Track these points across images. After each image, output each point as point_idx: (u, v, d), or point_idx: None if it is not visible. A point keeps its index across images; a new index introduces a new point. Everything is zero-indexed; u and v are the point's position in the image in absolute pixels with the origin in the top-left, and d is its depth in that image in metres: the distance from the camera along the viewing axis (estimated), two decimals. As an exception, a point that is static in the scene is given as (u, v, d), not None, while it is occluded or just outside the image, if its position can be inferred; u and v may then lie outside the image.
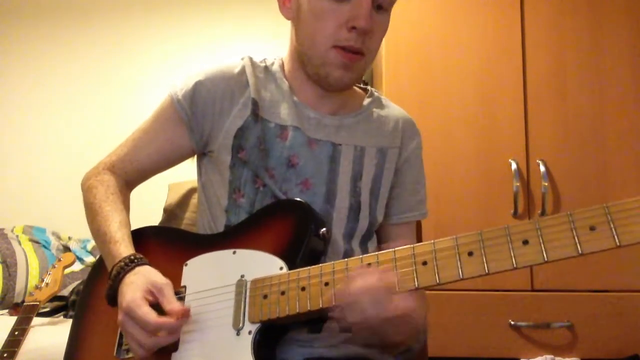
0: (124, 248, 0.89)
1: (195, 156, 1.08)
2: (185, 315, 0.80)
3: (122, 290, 0.83)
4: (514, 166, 1.83)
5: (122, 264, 0.86)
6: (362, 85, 1.14)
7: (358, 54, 0.93)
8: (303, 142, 0.98)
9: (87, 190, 1.02)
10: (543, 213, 1.82)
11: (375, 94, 1.12)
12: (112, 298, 0.87)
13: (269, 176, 0.96)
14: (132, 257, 0.87)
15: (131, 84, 2.76)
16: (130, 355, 0.86)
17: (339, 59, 0.93)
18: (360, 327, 0.75)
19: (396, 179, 1.06)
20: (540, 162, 1.84)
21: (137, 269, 0.85)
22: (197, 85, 1.00)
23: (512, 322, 1.77)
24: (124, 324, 0.80)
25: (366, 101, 1.09)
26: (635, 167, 1.83)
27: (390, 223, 1.07)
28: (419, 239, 1.16)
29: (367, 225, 1.01)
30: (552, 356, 1.73)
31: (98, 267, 1.02)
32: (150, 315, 0.78)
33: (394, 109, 1.12)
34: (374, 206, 1.02)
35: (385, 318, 0.73)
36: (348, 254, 0.98)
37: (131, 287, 0.82)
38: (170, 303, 0.80)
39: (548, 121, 1.87)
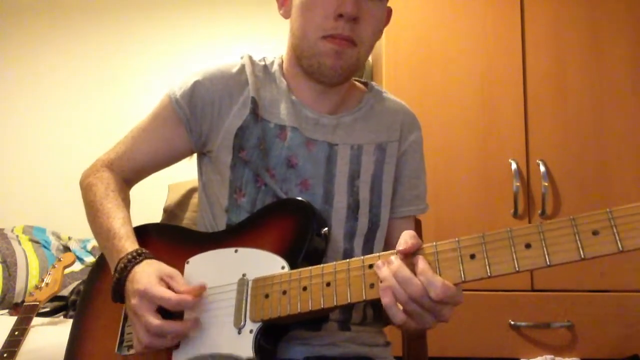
0: (130, 244, 0.90)
1: (195, 155, 1.08)
2: (202, 289, 0.82)
3: (133, 279, 0.83)
4: (514, 166, 1.83)
5: (130, 257, 0.86)
6: (362, 80, 1.14)
7: (348, 41, 0.93)
8: (301, 142, 0.98)
9: (86, 188, 1.02)
10: (543, 213, 1.82)
11: (375, 87, 1.12)
12: (118, 292, 0.86)
13: (269, 176, 0.96)
14: (140, 251, 0.88)
15: (130, 84, 2.76)
16: (131, 352, 0.87)
17: (328, 46, 0.93)
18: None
19: (395, 173, 1.06)
20: (540, 162, 1.84)
21: (146, 261, 0.86)
22: (196, 85, 1.00)
23: (512, 322, 1.77)
24: (136, 307, 0.80)
25: (366, 96, 1.08)
26: (635, 167, 1.84)
27: (389, 217, 1.06)
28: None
29: (367, 223, 1.00)
30: (552, 356, 1.73)
31: (99, 265, 1.02)
32: (169, 292, 0.80)
33: (394, 102, 1.11)
34: (376, 203, 1.02)
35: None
36: (347, 253, 0.98)
37: (144, 274, 0.82)
38: (184, 285, 0.82)
39: (548, 121, 1.87)
